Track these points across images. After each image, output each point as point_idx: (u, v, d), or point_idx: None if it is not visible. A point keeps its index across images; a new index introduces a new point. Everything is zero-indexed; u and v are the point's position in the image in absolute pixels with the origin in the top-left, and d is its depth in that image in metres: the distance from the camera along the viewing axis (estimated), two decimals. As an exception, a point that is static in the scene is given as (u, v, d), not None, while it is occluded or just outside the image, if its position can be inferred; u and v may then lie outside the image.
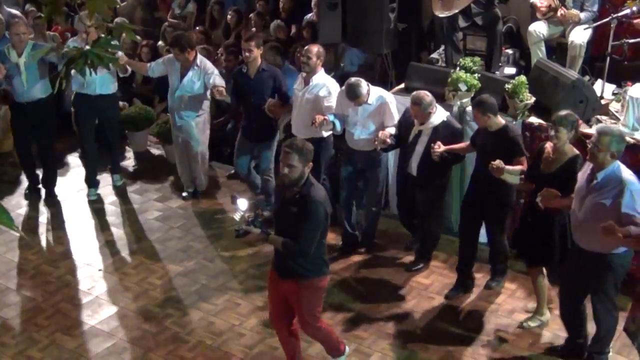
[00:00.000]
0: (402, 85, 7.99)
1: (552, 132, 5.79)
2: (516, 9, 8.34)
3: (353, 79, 7.10)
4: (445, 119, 6.82)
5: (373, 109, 7.18)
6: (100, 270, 7.51)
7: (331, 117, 7.23)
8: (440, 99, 7.35)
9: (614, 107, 7.15)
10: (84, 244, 8.03)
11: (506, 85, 7.15)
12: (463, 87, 7.28)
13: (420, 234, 7.45)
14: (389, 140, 6.86)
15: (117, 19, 8.96)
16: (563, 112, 5.85)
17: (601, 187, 5.27)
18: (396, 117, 7.17)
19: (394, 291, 7.12)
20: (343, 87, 7.18)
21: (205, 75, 8.06)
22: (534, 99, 7.10)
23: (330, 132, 7.53)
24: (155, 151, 10.08)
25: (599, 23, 7.45)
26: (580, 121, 6.13)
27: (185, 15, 10.96)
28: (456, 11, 7.91)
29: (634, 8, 7.26)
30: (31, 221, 8.59)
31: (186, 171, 8.78)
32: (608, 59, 7.19)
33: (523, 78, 7.20)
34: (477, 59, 7.72)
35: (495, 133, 6.35)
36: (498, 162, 5.83)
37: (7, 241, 8.01)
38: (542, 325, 6.47)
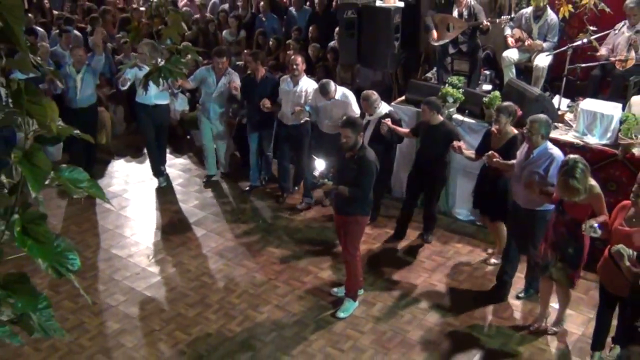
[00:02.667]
0: (403, 98, 8.13)
1: (495, 118, 6.28)
2: (493, 39, 8.41)
3: (324, 80, 7.72)
4: (387, 112, 7.26)
5: (338, 103, 7.65)
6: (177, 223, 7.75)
7: (307, 108, 7.84)
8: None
9: (568, 116, 7.20)
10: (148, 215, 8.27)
11: (484, 99, 7.26)
12: (450, 100, 7.40)
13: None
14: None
15: (184, 43, 9.07)
16: (504, 104, 6.38)
17: (536, 161, 5.71)
18: (357, 110, 7.60)
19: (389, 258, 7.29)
20: (317, 86, 7.72)
21: (231, 79, 8.49)
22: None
23: (307, 119, 8.03)
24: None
25: (557, 51, 7.50)
26: (520, 111, 6.42)
27: (239, 41, 11.12)
28: (447, 41, 8.08)
29: (585, 40, 7.37)
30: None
31: (211, 156, 9.09)
32: (564, 79, 7.23)
33: (497, 93, 7.29)
34: (461, 78, 7.81)
35: (436, 126, 6.82)
36: (491, 153, 6.08)
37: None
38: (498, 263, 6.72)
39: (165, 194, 8.81)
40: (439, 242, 7.39)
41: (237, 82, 8.39)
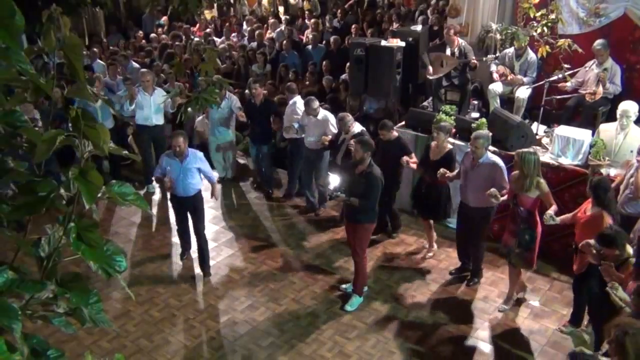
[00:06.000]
0: (403, 123, 8.10)
1: (435, 134, 6.40)
2: (481, 74, 8.36)
3: (309, 97, 7.86)
4: (359, 131, 7.25)
5: (320, 121, 7.70)
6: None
7: (296, 125, 7.97)
8: (428, 133, 7.48)
9: (545, 141, 7.14)
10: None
11: (472, 124, 7.18)
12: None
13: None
14: (326, 142, 7.52)
15: (217, 76, 9.08)
16: (443, 123, 6.55)
17: (480, 168, 5.87)
18: (335, 130, 7.62)
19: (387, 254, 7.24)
20: (304, 102, 7.82)
21: (232, 104, 8.55)
22: (490, 134, 7.16)
23: (299, 136, 8.08)
24: (241, 160, 10.03)
25: (536, 85, 7.47)
26: (454, 130, 6.80)
27: (265, 73, 11.15)
28: (441, 75, 8.05)
29: (560, 75, 7.33)
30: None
31: (220, 162, 9.11)
32: (542, 108, 7.20)
33: (484, 120, 7.21)
34: (453, 106, 7.72)
35: (392, 142, 6.86)
36: (442, 171, 6.15)
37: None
38: (431, 257, 7.03)
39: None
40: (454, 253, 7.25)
41: (237, 104, 8.56)
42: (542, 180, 5.47)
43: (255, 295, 6.44)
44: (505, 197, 5.66)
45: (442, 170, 6.12)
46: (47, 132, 1.61)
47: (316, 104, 7.69)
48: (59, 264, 1.76)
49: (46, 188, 1.67)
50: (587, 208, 5.23)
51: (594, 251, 4.65)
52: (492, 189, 5.58)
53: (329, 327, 5.90)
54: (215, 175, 6.38)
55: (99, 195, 1.66)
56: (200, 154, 6.47)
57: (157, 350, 5.62)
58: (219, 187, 7.07)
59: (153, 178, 8.75)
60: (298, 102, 8.18)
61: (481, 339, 5.73)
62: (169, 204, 7.45)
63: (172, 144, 6.30)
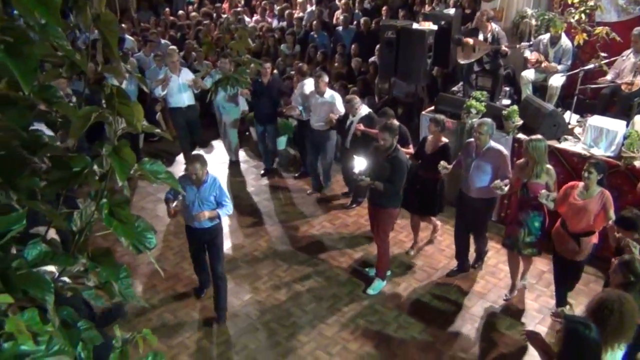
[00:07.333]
0: (432, 108, 8.01)
1: (432, 129, 6.31)
2: (514, 60, 8.22)
3: (318, 73, 7.83)
4: (367, 113, 7.23)
5: (327, 101, 7.64)
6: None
7: (300, 107, 7.94)
8: (458, 119, 7.39)
9: (577, 130, 6.99)
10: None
11: (503, 112, 7.09)
12: (473, 111, 7.25)
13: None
14: (334, 121, 7.54)
15: (248, 55, 9.04)
16: (436, 115, 6.47)
17: (485, 156, 5.79)
18: (342, 110, 7.56)
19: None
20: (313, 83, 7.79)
21: None
22: (522, 121, 7.05)
23: (305, 118, 8.03)
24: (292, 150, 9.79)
25: (570, 73, 7.32)
26: (449, 124, 6.69)
27: (294, 54, 11.10)
28: (473, 60, 7.92)
29: (596, 64, 7.16)
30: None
31: (227, 144, 9.27)
32: (576, 97, 7.07)
33: (515, 107, 7.12)
34: (484, 92, 7.61)
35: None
36: (443, 163, 6.02)
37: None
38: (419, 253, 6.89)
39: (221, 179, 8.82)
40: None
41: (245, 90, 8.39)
42: (550, 166, 5.51)
43: (279, 276, 6.48)
44: (507, 188, 5.57)
45: (442, 162, 5.99)
46: (82, 109, 1.62)
47: (324, 82, 7.64)
48: (90, 238, 1.79)
49: (80, 163, 1.68)
50: (576, 192, 5.19)
51: (616, 234, 4.65)
52: (497, 181, 5.53)
53: (350, 310, 5.92)
54: (228, 210, 5.51)
55: (131, 172, 1.67)
56: (219, 182, 5.50)
57: (180, 325, 5.71)
58: (216, 214, 5.51)
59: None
60: (307, 84, 8.06)
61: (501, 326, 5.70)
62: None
63: (188, 170, 5.40)
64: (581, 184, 5.20)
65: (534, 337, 3.81)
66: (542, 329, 5.62)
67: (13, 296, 1.38)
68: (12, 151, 1.67)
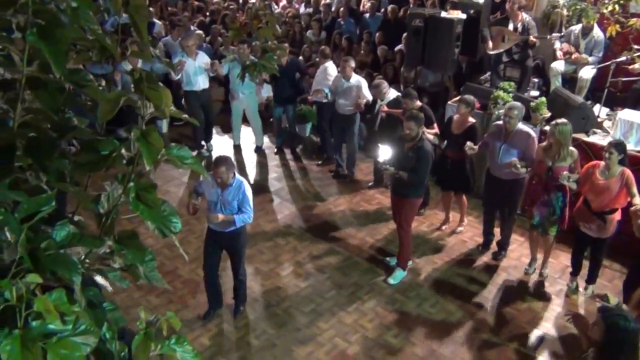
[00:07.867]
0: (458, 98, 7.90)
1: (462, 109, 6.35)
2: (543, 50, 8.07)
3: (345, 57, 7.96)
4: (395, 97, 7.25)
5: (353, 85, 7.73)
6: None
7: (326, 90, 8.02)
8: (484, 109, 7.30)
9: (607, 124, 6.88)
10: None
11: (531, 103, 6.99)
12: (501, 102, 7.15)
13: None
14: (362, 106, 7.54)
15: (275, 42, 9.01)
16: (465, 96, 6.48)
17: (514, 138, 5.89)
18: (368, 95, 7.65)
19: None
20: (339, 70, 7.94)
21: None
22: (549, 114, 6.95)
23: (325, 100, 8.18)
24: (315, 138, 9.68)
25: (601, 65, 7.17)
26: (478, 103, 6.71)
27: (320, 41, 11.05)
28: (501, 50, 7.79)
29: (628, 56, 6.99)
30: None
31: (237, 129, 9.32)
32: (606, 90, 6.93)
33: (543, 99, 7.04)
34: (512, 83, 7.54)
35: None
36: (470, 144, 6.10)
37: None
38: (461, 231, 7.04)
39: (241, 167, 8.83)
40: (479, 225, 7.15)
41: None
42: (573, 148, 5.68)
43: (300, 262, 6.50)
44: (524, 170, 5.77)
45: (469, 143, 6.07)
46: (112, 92, 1.63)
47: (351, 67, 7.72)
48: (116, 220, 1.81)
49: (109, 147, 1.69)
50: (597, 172, 5.36)
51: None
52: (514, 159, 5.75)
53: (370, 298, 5.92)
54: (247, 219, 5.22)
55: (158, 157, 1.68)
56: (244, 187, 5.17)
57: (201, 308, 5.76)
58: (232, 218, 5.21)
59: (204, 144, 9.00)
60: (329, 67, 8.18)
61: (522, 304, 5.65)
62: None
63: (213, 173, 5.06)
64: (602, 163, 5.37)
65: (578, 320, 3.96)
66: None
67: (42, 276, 1.40)
68: (43, 133, 1.69)
